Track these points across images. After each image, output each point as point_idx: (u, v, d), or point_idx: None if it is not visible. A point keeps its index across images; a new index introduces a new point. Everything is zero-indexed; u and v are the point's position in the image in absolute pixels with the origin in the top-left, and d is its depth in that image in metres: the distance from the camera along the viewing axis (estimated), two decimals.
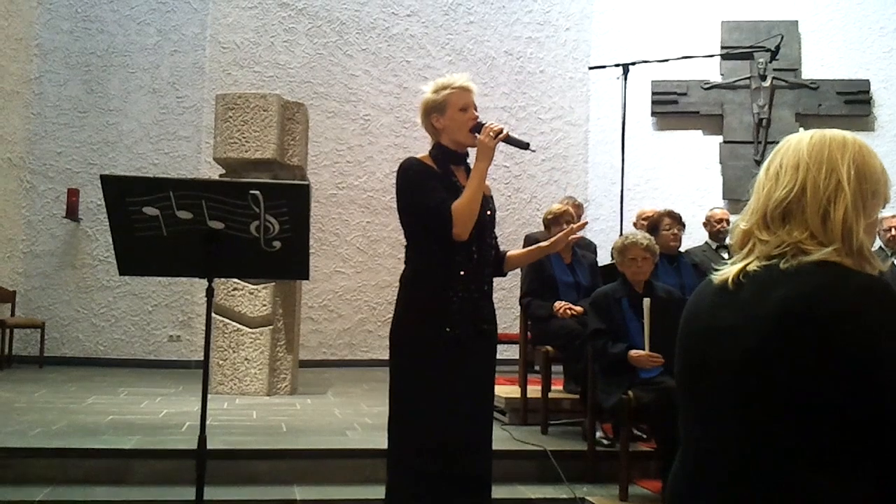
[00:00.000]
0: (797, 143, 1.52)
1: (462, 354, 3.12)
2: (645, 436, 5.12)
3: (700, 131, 10.35)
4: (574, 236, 3.48)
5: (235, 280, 6.99)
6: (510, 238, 9.34)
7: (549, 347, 5.47)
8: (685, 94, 10.25)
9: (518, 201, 10.57)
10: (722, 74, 10.24)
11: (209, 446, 3.21)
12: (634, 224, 7.06)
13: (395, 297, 3.29)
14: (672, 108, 10.27)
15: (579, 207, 6.96)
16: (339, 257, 10.01)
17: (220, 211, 3.08)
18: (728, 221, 6.83)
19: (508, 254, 3.44)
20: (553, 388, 5.67)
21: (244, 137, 7.18)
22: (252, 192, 3.08)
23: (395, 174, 3.26)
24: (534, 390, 5.71)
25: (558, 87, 10.86)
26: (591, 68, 9.12)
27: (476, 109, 3.23)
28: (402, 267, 3.29)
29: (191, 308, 9.50)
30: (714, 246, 6.85)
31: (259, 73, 9.85)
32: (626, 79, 6.69)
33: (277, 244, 3.16)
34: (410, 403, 3.15)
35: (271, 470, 4.56)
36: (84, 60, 9.74)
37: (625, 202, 6.83)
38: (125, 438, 4.80)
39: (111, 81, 9.75)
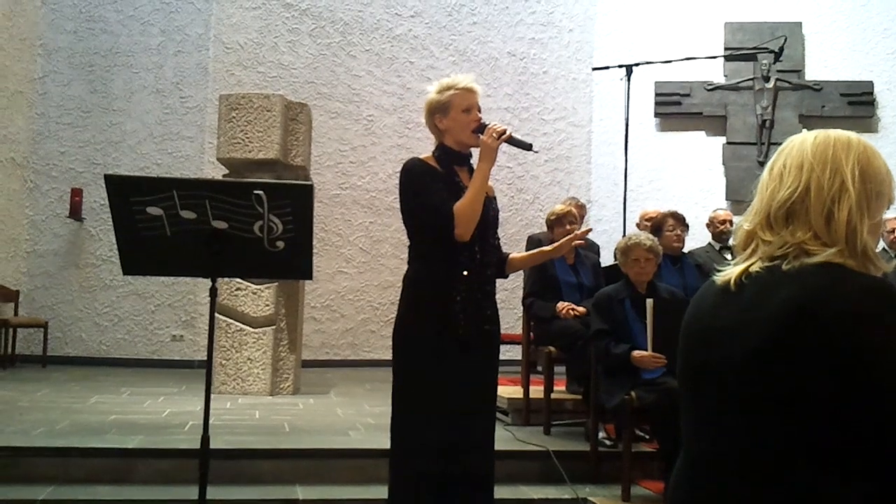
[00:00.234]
0: (801, 143, 1.51)
1: (464, 355, 3.12)
2: (647, 436, 5.12)
3: (703, 132, 10.36)
4: (578, 242, 3.47)
5: (238, 280, 7.00)
6: (513, 239, 9.34)
7: (552, 348, 5.46)
8: (688, 96, 10.25)
9: (521, 202, 10.57)
10: (725, 76, 10.25)
11: (212, 446, 3.22)
12: (638, 225, 7.06)
13: (397, 298, 3.29)
14: (675, 109, 10.27)
15: (582, 208, 6.96)
16: (342, 257, 10.01)
17: (223, 211, 3.08)
18: (731, 222, 6.83)
19: (511, 256, 3.43)
20: (555, 388, 5.67)
21: (247, 138, 7.19)
22: (256, 192, 3.08)
23: (398, 175, 3.26)
24: (536, 391, 5.71)
25: (562, 88, 10.87)
26: (594, 69, 9.12)
27: (480, 111, 3.23)
28: (405, 267, 3.30)
29: (194, 308, 9.51)
30: (717, 247, 6.85)
31: (262, 73, 9.86)
32: (629, 80, 6.68)
33: (281, 244, 3.17)
34: (413, 404, 3.15)
35: (274, 470, 4.57)
36: (88, 60, 9.76)
37: (628, 203, 6.83)
38: (128, 438, 4.81)
39: (115, 81, 9.76)
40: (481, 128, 3.15)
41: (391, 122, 10.25)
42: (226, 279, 6.90)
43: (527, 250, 6.39)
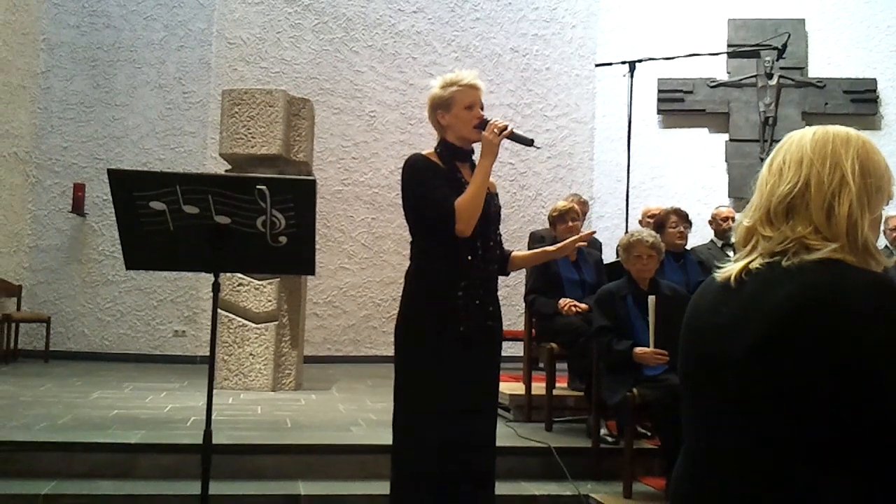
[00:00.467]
0: (800, 138, 1.51)
1: (466, 351, 3.12)
2: (649, 433, 5.12)
3: (706, 129, 10.35)
4: (581, 243, 3.46)
5: (241, 275, 7.01)
6: (515, 235, 9.34)
7: (554, 344, 5.46)
8: (691, 92, 10.24)
9: (523, 198, 10.57)
10: (728, 72, 10.24)
11: (214, 441, 3.22)
12: (640, 222, 7.05)
13: (399, 294, 3.28)
14: (678, 105, 10.27)
15: (584, 205, 6.95)
16: (344, 253, 10.01)
17: (226, 206, 3.09)
18: (734, 219, 6.82)
19: (513, 254, 3.43)
20: (557, 385, 5.67)
21: (250, 133, 7.19)
22: (258, 187, 3.09)
23: (400, 171, 3.26)
24: (538, 387, 5.70)
25: (564, 85, 10.86)
26: (597, 66, 9.13)
27: (483, 108, 3.22)
28: (407, 263, 3.29)
29: (196, 303, 9.51)
30: (720, 244, 6.85)
31: (265, 68, 9.86)
32: (632, 76, 6.69)
33: (283, 239, 3.17)
34: (414, 400, 3.15)
35: (276, 465, 4.57)
36: (90, 55, 9.76)
37: (630, 200, 6.84)
38: (130, 433, 4.81)
39: (117, 76, 9.76)
40: (483, 124, 3.14)
41: (393, 117, 10.25)
42: (228, 274, 6.91)
43: (529, 247, 6.41)
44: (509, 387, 5.98)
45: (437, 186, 3.12)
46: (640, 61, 6.87)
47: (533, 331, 5.89)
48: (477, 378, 3.17)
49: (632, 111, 6.74)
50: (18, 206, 9.59)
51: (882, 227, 6.88)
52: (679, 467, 1.59)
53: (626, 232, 5.42)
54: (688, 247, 6.09)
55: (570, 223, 5.60)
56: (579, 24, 10.91)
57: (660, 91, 10.20)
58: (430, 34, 10.46)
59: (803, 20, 10.13)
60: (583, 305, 5.33)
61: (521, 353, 6.21)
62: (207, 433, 3.18)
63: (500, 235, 3.38)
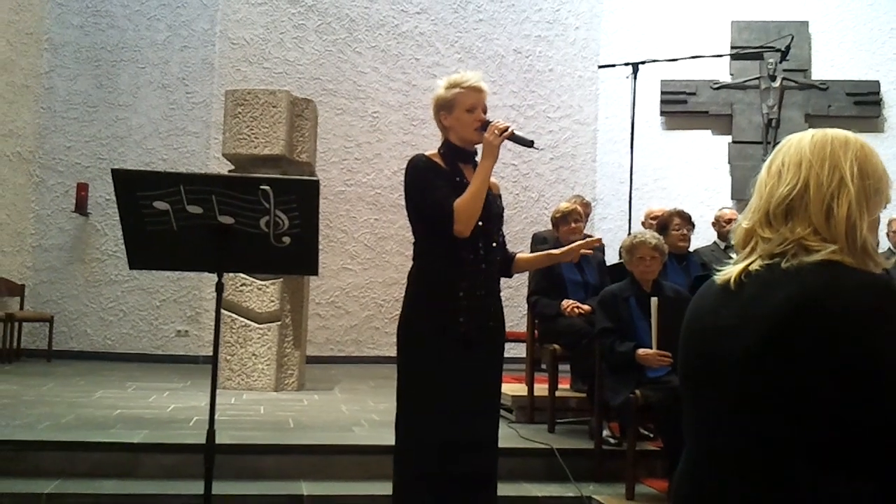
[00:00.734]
0: (798, 141, 1.52)
1: (468, 352, 3.12)
2: (652, 435, 5.11)
3: (709, 131, 10.34)
4: (586, 251, 3.45)
5: (243, 275, 7.01)
6: (518, 237, 9.33)
7: (557, 346, 5.46)
8: (694, 94, 10.23)
9: (526, 200, 10.56)
10: (731, 74, 10.22)
11: (217, 441, 3.22)
12: (643, 223, 7.05)
13: (402, 295, 3.29)
14: (681, 107, 10.26)
15: (587, 206, 6.95)
16: (347, 254, 10.02)
17: (230, 206, 3.09)
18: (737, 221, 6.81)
19: (517, 256, 3.42)
20: (560, 386, 5.67)
21: (253, 133, 7.20)
22: (262, 187, 3.09)
23: (403, 171, 3.26)
24: (541, 388, 5.71)
25: (567, 86, 10.85)
26: (600, 67, 9.11)
27: (486, 111, 3.21)
28: (410, 264, 3.29)
29: (199, 303, 9.52)
30: (722, 246, 6.85)
31: (268, 69, 9.87)
32: (635, 78, 6.68)
33: (287, 239, 3.17)
34: (416, 401, 3.15)
35: (278, 465, 4.58)
36: (94, 55, 9.77)
37: (633, 201, 6.83)
38: (133, 432, 4.82)
39: (121, 76, 9.78)
40: (485, 126, 3.14)
41: (396, 118, 10.25)
42: (231, 274, 6.91)
43: (531, 248, 6.40)
44: (512, 388, 5.98)
45: (437, 187, 3.12)
46: (643, 63, 6.86)
47: (535, 332, 5.90)
48: (478, 379, 3.17)
49: (635, 113, 6.73)
50: (22, 205, 9.61)
51: (886, 230, 6.90)
52: (680, 469, 1.60)
53: (629, 234, 5.41)
54: (691, 249, 6.09)
55: (573, 224, 5.60)
56: (582, 26, 10.90)
57: (663, 93, 10.20)
58: (434, 35, 10.46)
59: (807, 22, 10.12)
60: (585, 307, 5.33)
61: (524, 355, 6.21)
62: (211, 433, 3.18)
63: (504, 236, 3.38)
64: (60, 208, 9.65)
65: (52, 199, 9.67)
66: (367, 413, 5.99)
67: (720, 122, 10.27)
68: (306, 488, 4.38)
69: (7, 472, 4.32)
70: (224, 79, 9.59)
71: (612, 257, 6.74)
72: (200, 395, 6.46)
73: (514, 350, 6.84)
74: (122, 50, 9.77)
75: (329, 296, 9.88)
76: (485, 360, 3.20)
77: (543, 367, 5.93)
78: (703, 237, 7.27)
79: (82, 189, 9.51)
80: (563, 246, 5.29)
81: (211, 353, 3.29)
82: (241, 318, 7.07)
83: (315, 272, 3.38)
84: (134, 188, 3.10)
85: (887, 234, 7.07)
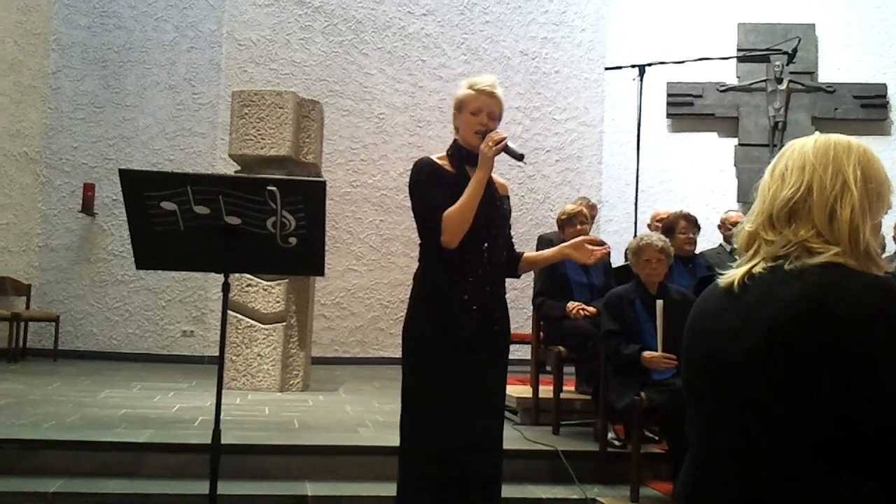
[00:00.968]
0: (802, 146, 1.54)
1: (471, 355, 3.11)
2: (656, 437, 5.11)
3: (715, 133, 10.33)
4: (595, 249, 3.38)
5: (249, 276, 7.02)
6: (523, 238, 9.33)
7: (562, 348, 5.46)
8: (701, 96, 10.23)
9: (531, 201, 10.56)
10: (738, 77, 10.22)
11: (222, 441, 3.22)
12: (649, 226, 7.04)
13: (407, 296, 3.29)
14: (687, 109, 10.25)
15: (593, 208, 6.94)
16: (352, 255, 10.03)
17: (237, 206, 3.10)
18: None
19: (525, 255, 3.42)
20: (565, 388, 5.67)
21: (259, 134, 7.21)
22: (269, 188, 3.10)
23: (408, 173, 3.26)
24: (546, 390, 5.71)
25: (573, 88, 10.85)
26: (606, 69, 9.11)
27: (496, 117, 3.17)
28: (416, 265, 3.29)
29: (204, 304, 9.54)
30: (728, 248, 6.82)
31: (275, 70, 9.88)
32: (641, 80, 6.67)
33: (293, 240, 3.18)
34: (418, 402, 3.15)
35: (283, 466, 4.58)
36: (101, 56, 9.80)
37: (639, 204, 6.82)
38: (138, 432, 4.83)
39: (128, 77, 9.80)
40: (484, 134, 3.11)
41: (402, 120, 10.25)
42: (236, 275, 6.92)
43: (537, 250, 6.39)
44: (516, 390, 5.98)
45: (432, 195, 3.11)
46: (649, 65, 6.85)
47: (541, 334, 5.90)
48: (481, 381, 3.16)
49: (641, 115, 6.73)
50: (28, 205, 9.64)
51: (893, 233, 6.87)
52: (684, 470, 1.61)
53: (635, 236, 5.41)
54: (696, 251, 6.08)
55: (579, 226, 5.60)
56: (589, 28, 10.90)
57: (669, 95, 10.19)
58: (440, 37, 10.47)
59: (813, 25, 10.10)
60: (591, 309, 5.33)
61: (529, 356, 6.21)
62: (216, 433, 3.18)
63: (511, 238, 3.37)
64: (67, 208, 9.68)
65: (59, 199, 9.70)
66: (371, 414, 5.99)
67: (726, 124, 10.26)
68: (311, 489, 4.39)
69: (12, 471, 4.33)
70: (230, 80, 9.62)
71: (617, 259, 6.75)
72: (205, 395, 6.47)
73: (519, 352, 6.87)
74: (129, 51, 9.80)
75: (334, 297, 9.89)
76: (488, 363, 3.19)
77: (548, 368, 5.93)
78: (708, 240, 7.27)
79: (89, 189, 9.54)
80: None
81: (216, 354, 3.29)
82: (247, 319, 7.08)
83: (321, 273, 3.39)
84: (141, 188, 3.11)
85: (894, 238, 7.04)
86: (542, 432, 5.34)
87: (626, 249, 5.12)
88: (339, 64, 10.11)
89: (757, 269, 1.49)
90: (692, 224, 5.91)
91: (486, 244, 3.16)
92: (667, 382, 4.42)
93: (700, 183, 10.17)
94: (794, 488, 1.36)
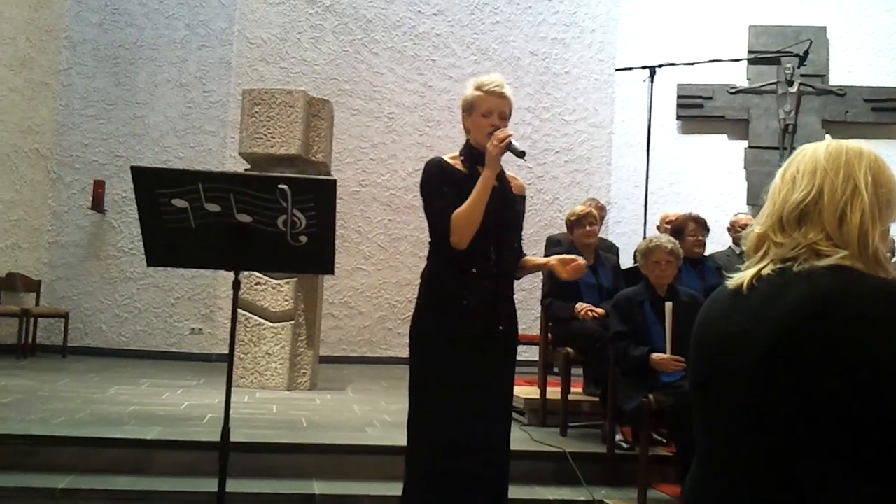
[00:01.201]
0: (813, 150, 1.54)
1: (477, 355, 3.11)
2: (664, 440, 5.10)
3: (725, 136, 10.31)
4: (572, 267, 3.33)
5: (258, 274, 7.04)
6: (532, 239, 9.31)
7: (570, 349, 5.46)
8: (711, 99, 10.20)
9: (540, 202, 10.55)
10: (748, 79, 10.19)
11: (230, 439, 3.23)
12: (658, 228, 7.04)
13: (415, 296, 3.29)
14: (697, 111, 10.23)
15: (602, 209, 6.94)
16: (361, 254, 10.03)
17: (248, 204, 3.10)
18: None
19: (525, 258, 3.39)
20: (573, 389, 5.66)
21: (269, 133, 7.22)
22: (280, 186, 3.11)
23: (418, 173, 3.26)
24: (553, 392, 5.70)
25: (583, 89, 10.84)
26: (616, 70, 9.11)
27: (506, 117, 3.17)
28: (424, 265, 3.30)
29: (213, 301, 9.56)
30: (738, 251, 6.81)
31: (285, 69, 9.90)
32: (651, 81, 6.67)
33: (304, 239, 3.19)
34: (424, 401, 3.16)
35: (290, 464, 4.59)
36: (112, 53, 9.83)
37: (648, 205, 6.81)
38: (147, 429, 4.85)
39: (139, 74, 9.83)
40: (492, 133, 3.11)
41: (412, 119, 10.26)
42: (245, 273, 6.92)
43: (545, 251, 6.42)
44: (524, 391, 5.98)
45: (441, 195, 3.12)
46: (660, 66, 6.85)
47: (549, 335, 5.89)
48: (486, 382, 3.16)
49: (651, 116, 6.73)
50: (39, 202, 9.67)
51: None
52: (692, 472, 1.61)
53: (644, 238, 5.40)
54: (706, 254, 6.07)
55: (588, 228, 5.60)
56: (599, 29, 10.88)
57: (679, 97, 10.16)
58: (450, 37, 10.47)
59: (825, 27, 10.07)
60: (599, 310, 5.32)
61: (537, 358, 6.20)
62: (225, 430, 3.19)
63: (521, 240, 3.36)
64: (77, 205, 9.71)
65: (69, 195, 9.73)
66: (379, 413, 6.00)
67: (736, 126, 10.23)
68: (318, 487, 4.40)
69: (21, 467, 4.35)
70: (241, 78, 9.63)
71: (626, 261, 6.74)
72: (214, 392, 6.48)
73: (527, 353, 6.84)
74: (140, 48, 9.83)
75: (342, 296, 9.89)
76: (495, 364, 3.19)
77: (556, 370, 5.92)
78: (718, 242, 7.25)
79: (99, 186, 9.57)
80: (577, 249, 5.33)
81: (224, 352, 3.30)
82: (255, 317, 7.09)
83: (331, 271, 3.39)
84: (153, 185, 3.12)
85: None
86: (549, 434, 5.34)
87: (636, 251, 5.12)
88: (349, 63, 10.12)
89: (766, 271, 1.49)
90: (701, 226, 5.90)
91: (493, 245, 3.16)
92: (675, 385, 4.42)
93: (710, 185, 10.15)
94: (802, 490, 1.36)
